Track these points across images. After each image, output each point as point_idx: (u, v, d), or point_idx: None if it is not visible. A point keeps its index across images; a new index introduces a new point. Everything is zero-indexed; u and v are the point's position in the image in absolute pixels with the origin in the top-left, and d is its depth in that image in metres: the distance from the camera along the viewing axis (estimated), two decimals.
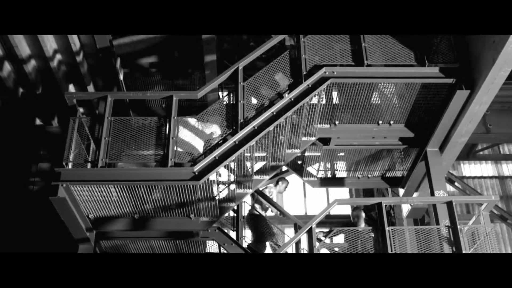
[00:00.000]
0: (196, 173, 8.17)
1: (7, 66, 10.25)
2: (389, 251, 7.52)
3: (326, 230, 9.48)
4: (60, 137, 12.37)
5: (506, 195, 15.39)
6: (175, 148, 8.42)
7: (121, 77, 11.45)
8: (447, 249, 7.83)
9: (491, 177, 15.65)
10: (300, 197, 15.92)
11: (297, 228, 11.10)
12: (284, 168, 10.90)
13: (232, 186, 9.26)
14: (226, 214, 10.11)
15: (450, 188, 13.83)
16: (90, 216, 8.91)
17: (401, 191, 11.43)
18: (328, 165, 11.12)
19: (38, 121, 12.41)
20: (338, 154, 10.61)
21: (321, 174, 11.15)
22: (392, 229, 7.76)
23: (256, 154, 9.05)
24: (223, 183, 9.17)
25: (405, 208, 12.62)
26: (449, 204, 7.91)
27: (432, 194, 9.21)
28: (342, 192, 15.78)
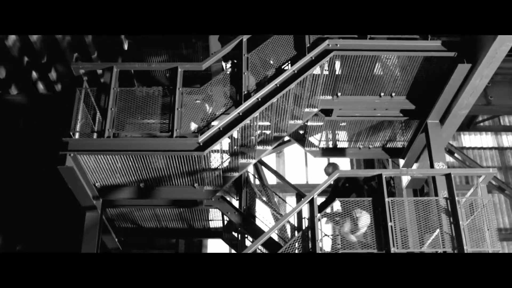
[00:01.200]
0: (201, 144, 8.34)
1: (12, 35, 10.32)
2: (388, 222, 7.70)
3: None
4: (64, 105, 12.52)
5: (505, 166, 15.55)
6: (180, 119, 8.57)
7: (126, 46, 11.51)
8: (445, 220, 8.00)
9: (490, 148, 15.78)
10: (301, 166, 16.10)
11: (299, 197, 11.28)
12: (286, 138, 11.03)
13: (236, 156, 9.44)
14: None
15: (449, 159, 13.99)
16: (96, 185, 9.12)
17: (402, 161, 11.59)
18: (330, 136, 11.25)
19: (41, 88, 12.51)
20: (340, 124, 10.72)
21: (322, 144, 11.27)
22: (391, 200, 7.93)
23: (260, 123, 9.19)
24: (227, 153, 9.33)
25: (405, 178, 12.78)
26: (448, 176, 8.07)
27: (432, 165, 9.37)
28: (343, 162, 15.95)
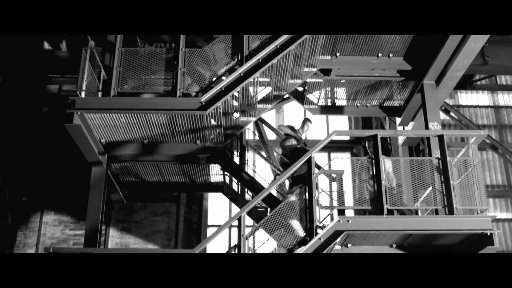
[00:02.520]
0: (203, 103, 8.63)
1: None
2: (382, 181, 8.03)
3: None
4: (68, 61, 12.76)
5: (500, 125, 15.78)
6: (183, 79, 8.84)
7: None
8: (437, 178, 8.33)
9: (486, 107, 15.96)
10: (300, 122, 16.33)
11: None
12: (286, 96, 11.27)
13: (237, 114, 9.73)
14: None
15: (446, 117, 14.23)
16: (102, 141, 9.45)
17: (398, 119, 11.86)
18: (328, 94, 11.48)
19: (46, 46, 12.70)
20: (340, 81, 10.93)
21: (321, 102, 11.53)
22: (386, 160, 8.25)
23: (260, 79, 9.45)
24: (228, 111, 9.62)
25: (401, 136, 13.04)
26: (440, 138, 8.38)
27: (426, 125, 9.66)
28: (342, 119, 16.18)
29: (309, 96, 11.44)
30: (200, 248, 8.02)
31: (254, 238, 8.63)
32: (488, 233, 7.82)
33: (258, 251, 8.41)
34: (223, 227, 8.13)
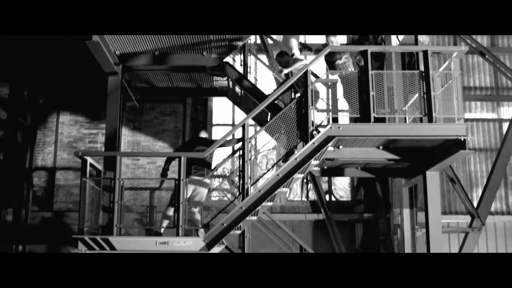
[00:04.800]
0: None
1: None
2: (370, 91, 8.88)
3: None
4: None
5: None
6: None
7: None
8: (421, 88, 9.15)
9: None
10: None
11: None
12: None
13: None
14: None
15: None
16: (116, 53, 10.29)
17: None
18: None
19: None
20: None
21: None
22: (375, 73, 9.06)
23: None
24: None
25: (395, 41, 13.67)
26: (425, 53, 9.16)
27: (416, 38, 10.35)
28: None
29: None
30: (208, 153, 9.12)
31: (256, 140, 9.65)
32: (462, 139, 8.78)
33: (261, 150, 9.40)
34: (228, 134, 9.09)
